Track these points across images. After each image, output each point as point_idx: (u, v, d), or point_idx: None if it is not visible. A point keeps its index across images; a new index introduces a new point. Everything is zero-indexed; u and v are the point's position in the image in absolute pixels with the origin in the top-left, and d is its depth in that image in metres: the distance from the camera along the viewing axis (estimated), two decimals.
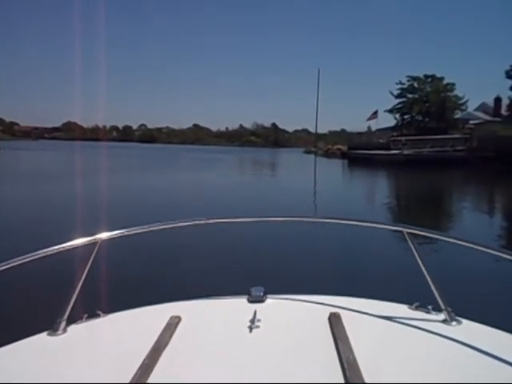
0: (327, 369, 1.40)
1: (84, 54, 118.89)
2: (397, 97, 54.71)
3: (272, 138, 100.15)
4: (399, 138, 48.24)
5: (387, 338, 1.67)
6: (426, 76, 53.91)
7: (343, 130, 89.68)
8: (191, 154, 56.36)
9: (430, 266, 1.93)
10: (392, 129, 56.31)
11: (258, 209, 13.28)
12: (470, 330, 1.75)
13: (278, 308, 1.93)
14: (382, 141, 56.02)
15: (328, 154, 61.21)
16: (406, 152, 45.99)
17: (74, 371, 1.44)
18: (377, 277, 7.08)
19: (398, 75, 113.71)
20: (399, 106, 54.78)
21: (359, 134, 64.68)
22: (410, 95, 54.11)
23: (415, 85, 54.07)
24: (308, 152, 67.66)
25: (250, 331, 1.65)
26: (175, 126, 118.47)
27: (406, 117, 55.35)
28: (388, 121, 60.11)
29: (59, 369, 1.46)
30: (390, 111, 55.20)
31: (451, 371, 1.44)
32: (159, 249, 8.07)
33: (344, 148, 60.74)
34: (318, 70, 71.69)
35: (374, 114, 58.42)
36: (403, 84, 54.30)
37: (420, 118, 54.36)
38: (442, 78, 53.54)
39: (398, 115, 55.39)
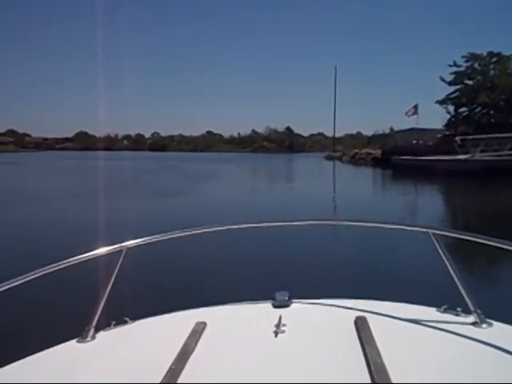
0: (355, 373, 1.25)
1: (97, 64, 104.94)
2: (450, 83, 36.65)
3: (287, 142, 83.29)
4: (467, 138, 30.25)
5: (415, 341, 1.47)
6: (491, 54, 35.75)
7: (359, 133, 78.55)
8: (189, 164, 40.69)
9: (457, 267, 1.69)
10: (447, 126, 38.25)
11: None
12: (501, 332, 1.53)
13: (303, 312, 1.73)
14: (427, 142, 38.96)
15: (355, 160, 43.92)
16: (478, 157, 28.27)
17: (103, 377, 1.33)
18: (403, 279, 6.19)
19: (412, 75, 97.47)
20: (455, 94, 36.63)
21: (380, 135, 50.25)
22: (468, 81, 36.04)
23: (476, 66, 35.91)
24: (330, 157, 50.53)
25: (276, 336, 1.49)
26: (187, 134, 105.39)
27: (460, 110, 37.27)
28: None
29: (89, 375, 1.35)
30: (442, 102, 37.17)
31: (482, 375, 1.26)
32: (183, 255, 7.22)
33: (376, 152, 43.43)
34: (335, 67, 62.39)
35: (415, 108, 40.77)
36: (459, 66, 36.23)
37: (482, 110, 36.16)
38: (510, 57, 35.46)
39: (452, 107, 37.20)
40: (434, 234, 1.74)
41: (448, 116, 38.33)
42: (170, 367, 1.28)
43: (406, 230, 1.99)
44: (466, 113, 37.10)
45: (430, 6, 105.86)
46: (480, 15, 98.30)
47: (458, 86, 36.58)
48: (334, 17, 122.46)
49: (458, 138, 31.60)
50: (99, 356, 1.48)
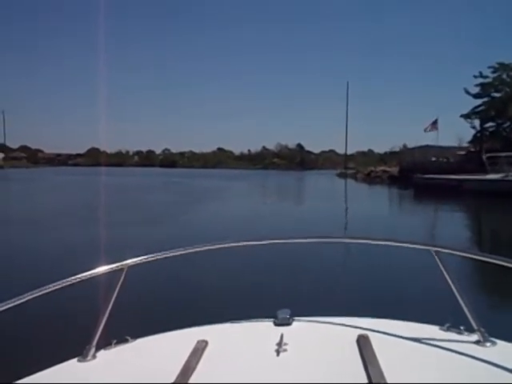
0: None
1: (109, 80, 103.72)
2: (475, 96, 33.23)
3: (297, 159, 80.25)
4: (500, 155, 26.75)
5: (418, 360, 1.42)
6: None
7: (371, 151, 76.10)
8: (197, 182, 37.88)
9: (460, 285, 1.63)
10: (471, 142, 34.74)
11: None
12: (504, 351, 1.48)
13: (305, 331, 1.67)
14: (447, 159, 35.81)
15: (371, 179, 40.79)
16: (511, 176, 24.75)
17: None
18: (405, 297, 6.02)
19: (426, 91, 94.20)
20: (481, 108, 33.14)
21: (395, 152, 46.61)
22: (495, 94, 32.58)
23: (505, 77, 32.42)
24: (343, 175, 47.54)
25: (278, 355, 1.43)
26: (198, 150, 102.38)
27: (487, 125, 33.71)
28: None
29: None
30: (467, 116, 33.73)
31: None
32: (185, 273, 6.92)
33: (392, 170, 40.23)
34: (347, 82, 61.20)
35: (434, 124, 37.57)
36: (485, 77, 32.81)
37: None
38: None
39: (477, 122, 33.66)
40: (436, 252, 1.69)
41: (466, 131, 34.90)
42: None
43: (408, 247, 1.89)
44: (494, 128, 33.56)
45: (442, 16, 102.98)
46: (497, 23, 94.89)
47: (484, 99, 33.13)
48: (345, 31, 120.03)
49: (487, 155, 28.22)
50: (100, 375, 1.43)
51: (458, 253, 1.76)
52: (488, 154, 28.10)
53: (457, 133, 36.28)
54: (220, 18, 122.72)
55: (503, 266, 1.56)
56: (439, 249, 1.69)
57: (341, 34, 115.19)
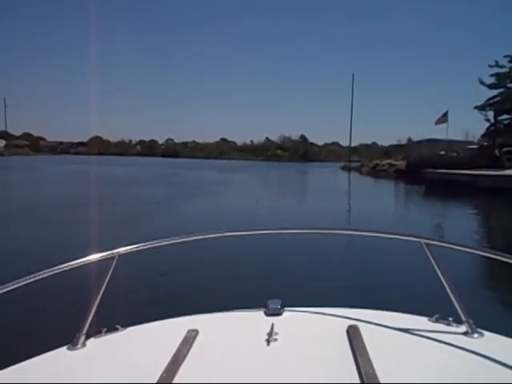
0: (346, 382, 1.22)
1: (113, 68, 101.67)
2: (491, 87, 31.00)
3: (301, 151, 78.15)
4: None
5: (407, 350, 1.44)
6: None
7: (374, 143, 73.74)
8: (195, 173, 35.72)
9: (449, 277, 1.64)
10: (484, 136, 32.59)
11: None
12: (492, 342, 1.50)
13: (296, 321, 1.68)
14: (456, 154, 33.79)
15: (376, 172, 38.73)
16: None
17: None
18: (395, 289, 5.99)
19: (431, 86, 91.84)
20: (497, 99, 30.92)
21: (401, 146, 45.31)
22: (511, 84, 30.34)
23: None
24: (347, 168, 45.59)
25: (268, 344, 1.44)
26: (200, 140, 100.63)
27: (501, 118, 31.50)
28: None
29: (79, 383, 1.31)
30: (481, 108, 31.52)
31: None
32: (176, 262, 6.93)
33: (399, 164, 38.23)
34: (353, 74, 59.89)
35: (444, 116, 35.52)
36: (502, 67, 30.55)
37: None
38: None
39: (491, 114, 31.44)
40: (426, 244, 1.69)
41: (472, 126, 32.69)
42: (162, 375, 1.23)
43: (398, 239, 1.89)
44: (509, 121, 31.37)
45: (447, 12, 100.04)
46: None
47: (500, 90, 30.89)
48: (349, 24, 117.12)
49: (504, 149, 26.14)
50: (90, 363, 1.43)
51: (447, 245, 1.75)
52: (505, 148, 26.01)
53: (463, 127, 34.22)
54: (223, 12, 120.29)
55: (492, 258, 1.54)
56: (429, 241, 1.68)
57: (346, 28, 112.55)
